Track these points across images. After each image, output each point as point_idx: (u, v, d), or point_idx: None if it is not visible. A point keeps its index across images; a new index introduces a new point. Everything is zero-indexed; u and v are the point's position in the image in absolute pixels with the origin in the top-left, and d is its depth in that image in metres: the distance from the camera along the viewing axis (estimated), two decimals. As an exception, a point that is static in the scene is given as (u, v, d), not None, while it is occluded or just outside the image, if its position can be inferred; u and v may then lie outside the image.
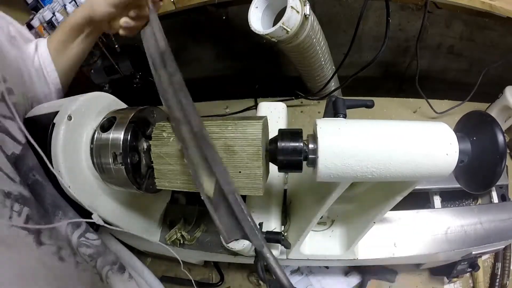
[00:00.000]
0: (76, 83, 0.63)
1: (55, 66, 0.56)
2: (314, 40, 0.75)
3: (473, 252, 0.58)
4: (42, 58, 0.55)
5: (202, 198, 0.29)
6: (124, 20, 0.51)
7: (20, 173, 0.40)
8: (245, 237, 0.28)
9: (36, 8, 0.99)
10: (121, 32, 0.54)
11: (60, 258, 0.41)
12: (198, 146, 0.31)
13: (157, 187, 0.45)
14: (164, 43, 0.37)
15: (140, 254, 0.73)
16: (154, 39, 0.39)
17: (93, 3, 0.52)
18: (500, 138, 0.36)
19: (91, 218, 0.45)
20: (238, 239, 0.29)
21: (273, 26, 0.65)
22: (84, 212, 0.45)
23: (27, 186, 0.40)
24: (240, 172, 0.39)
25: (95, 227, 0.52)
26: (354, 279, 0.73)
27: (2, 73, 0.43)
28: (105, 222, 0.48)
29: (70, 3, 0.93)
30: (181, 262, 0.57)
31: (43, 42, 0.56)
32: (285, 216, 0.60)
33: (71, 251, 0.45)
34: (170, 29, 1.04)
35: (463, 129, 0.41)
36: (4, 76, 0.43)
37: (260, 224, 0.54)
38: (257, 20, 0.70)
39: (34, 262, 0.37)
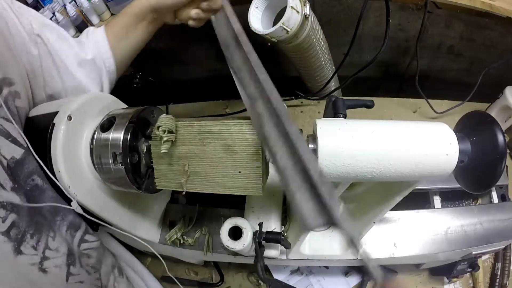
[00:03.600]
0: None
1: (112, 53, 0.55)
2: (314, 40, 0.75)
3: (473, 252, 0.58)
4: (97, 47, 0.54)
5: (280, 176, 0.25)
6: (195, 12, 0.51)
7: (18, 179, 0.39)
8: (331, 221, 0.24)
9: (36, 8, 0.99)
10: (190, 23, 0.53)
11: (41, 269, 0.39)
12: (277, 123, 0.28)
13: (157, 187, 0.45)
14: (239, 25, 0.36)
15: (140, 254, 0.73)
16: (227, 23, 0.38)
17: None
18: (500, 138, 0.36)
19: (93, 223, 0.44)
20: (324, 226, 0.26)
21: (273, 26, 0.65)
22: (90, 220, 0.45)
23: (22, 193, 0.39)
24: (240, 172, 0.39)
25: (94, 227, 0.52)
26: (354, 279, 0.73)
27: (12, 76, 0.42)
28: (105, 222, 0.48)
29: (70, 3, 0.93)
30: (164, 264, 0.56)
31: (99, 30, 0.55)
32: (285, 216, 0.60)
33: (64, 262, 0.43)
34: (170, 29, 1.04)
35: (463, 129, 0.41)
36: (10, 80, 0.42)
37: (260, 224, 0.54)
38: (257, 20, 0.70)
39: (10, 271, 0.36)
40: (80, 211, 0.43)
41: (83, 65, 0.54)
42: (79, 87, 0.54)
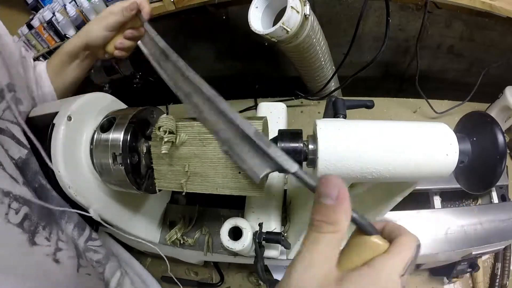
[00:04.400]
0: (76, 83, 0.64)
1: (53, 87, 0.59)
2: (314, 40, 0.75)
3: (473, 252, 0.58)
4: (40, 80, 0.58)
5: (223, 151, 0.31)
6: (119, 41, 0.55)
7: (27, 176, 0.41)
8: (276, 165, 0.28)
9: (36, 8, 0.99)
10: (116, 53, 0.57)
11: (55, 260, 0.41)
12: (213, 106, 0.33)
13: (157, 188, 0.45)
14: (163, 42, 0.41)
15: (140, 254, 0.73)
16: (153, 43, 0.43)
17: (89, 30, 0.56)
18: (500, 138, 0.36)
19: (93, 223, 0.45)
20: (269, 172, 0.29)
21: (273, 26, 0.65)
22: (88, 218, 0.46)
23: (32, 188, 0.41)
24: (240, 172, 0.39)
25: (94, 227, 0.52)
26: (354, 279, 0.73)
27: (15, 83, 0.46)
28: (105, 222, 0.48)
29: (70, 3, 0.94)
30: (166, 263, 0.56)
31: (42, 65, 0.60)
32: (285, 217, 0.60)
33: (74, 253, 0.45)
34: (170, 29, 1.04)
35: (463, 129, 0.41)
36: (15, 87, 0.46)
37: (260, 225, 0.54)
38: (257, 20, 0.70)
39: (26, 261, 0.38)
40: (98, 218, 0.44)
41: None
42: None
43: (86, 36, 0.56)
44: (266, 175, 0.29)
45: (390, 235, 0.26)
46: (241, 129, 0.30)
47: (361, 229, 0.25)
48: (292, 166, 0.27)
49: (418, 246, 0.25)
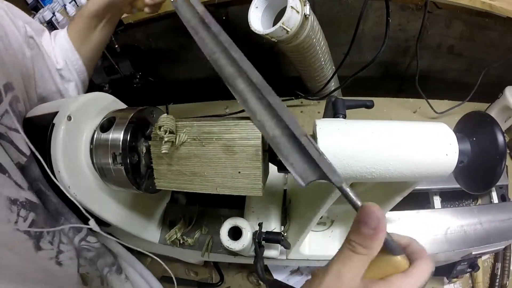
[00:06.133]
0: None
1: (79, 54, 0.56)
2: (314, 40, 0.75)
3: (473, 252, 0.58)
4: (63, 49, 0.55)
5: (272, 146, 0.29)
6: None
7: (27, 181, 0.41)
8: (323, 176, 0.28)
9: (36, 8, 0.99)
10: (146, 10, 0.54)
11: (57, 262, 0.42)
12: (260, 96, 0.31)
13: (157, 187, 0.45)
14: (203, 7, 0.35)
15: (140, 254, 0.73)
16: (189, 5, 0.36)
17: None
18: (500, 138, 0.36)
19: (98, 225, 0.45)
20: (314, 180, 0.29)
21: (273, 26, 0.65)
22: (86, 218, 0.46)
23: (35, 192, 0.41)
24: (239, 172, 0.39)
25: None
26: (354, 279, 0.73)
27: (12, 80, 0.44)
28: (105, 222, 0.48)
29: (70, 3, 0.94)
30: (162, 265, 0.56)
31: (63, 33, 0.56)
32: (285, 216, 0.60)
33: (74, 254, 0.46)
34: (170, 29, 1.04)
35: (463, 129, 0.41)
36: (13, 83, 0.44)
37: (260, 224, 0.54)
38: (257, 20, 0.70)
39: (33, 266, 0.38)
40: (97, 229, 0.45)
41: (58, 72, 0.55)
42: (63, 90, 0.56)
43: None
44: (311, 182, 0.29)
45: (412, 255, 0.28)
46: (290, 130, 0.29)
47: (389, 249, 0.27)
48: (339, 180, 0.28)
49: (432, 272, 0.27)
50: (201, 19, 0.34)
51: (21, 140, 0.41)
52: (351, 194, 0.28)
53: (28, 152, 0.42)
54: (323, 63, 0.85)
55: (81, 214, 0.44)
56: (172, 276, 0.60)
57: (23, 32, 0.48)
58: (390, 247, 0.27)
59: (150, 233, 0.60)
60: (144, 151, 0.44)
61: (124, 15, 0.92)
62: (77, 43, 0.55)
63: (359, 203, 0.27)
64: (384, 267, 0.27)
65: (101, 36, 0.57)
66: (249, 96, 0.31)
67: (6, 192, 0.36)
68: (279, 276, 0.73)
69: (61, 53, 0.55)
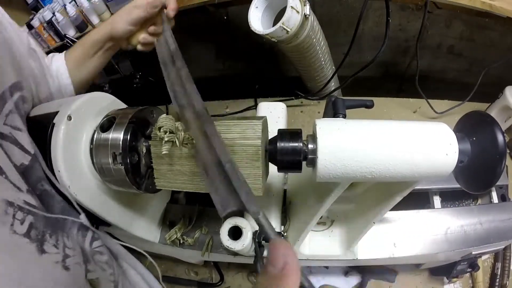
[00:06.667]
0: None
1: (71, 79, 0.59)
2: (314, 40, 0.75)
3: (473, 252, 0.58)
4: (58, 73, 0.58)
5: (200, 172, 0.31)
6: (142, 36, 0.56)
7: (29, 183, 0.41)
8: (241, 205, 0.28)
9: (36, 8, 0.99)
10: (139, 47, 0.58)
11: (64, 267, 0.41)
12: (199, 124, 0.34)
13: (157, 187, 0.45)
14: (175, 46, 0.42)
15: (140, 254, 0.73)
16: (166, 44, 0.44)
17: (113, 22, 0.56)
18: (500, 138, 0.36)
19: (93, 222, 0.45)
20: (233, 210, 0.29)
21: (273, 26, 0.65)
22: (93, 219, 0.46)
23: (36, 195, 0.40)
24: (239, 172, 0.39)
25: (94, 226, 0.52)
26: (354, 279, 0.73)
27: (21, 81, 0.45)
28: (105, 222, 0.48)
29: (70, 3, 0.94)
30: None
31: (60, 57, 0.60)
32: (285, 216, 0.60)
33: (81, 259, 0.45)
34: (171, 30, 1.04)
35: (462, 129, 0.41)
36: (21, 84, 0.45)
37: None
38: (257, 20, 0.70)
39: (36, 270, 0.38)
40: (87, 223, 0.45)
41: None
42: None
43: (111, 28, 0.56)
44: (231, 213, 0.29)
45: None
46: (218, 157, 0.30)
47: None
48: (256, 211, 0.27)
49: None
50: (171, 55, 0.41)
51: (27, 139, 0.42)
52: (266, 227, 0.26)
53: (32, 151, 0.42)
54: (323, 63, 0.85)
55: (88, 215, 0.44)
56: (172, 276, 0.60)
57: (27, 44, 0.51)
58: None
59: (150, 233, 0.60)
60: (144, 151, 0.44)
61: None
62: (73, 67, 0.59)
63: (272, 237, 0.25)
64: None
65: (97, 63, 0.61)
66: (192, 125, 0.35)
67: (2, 194, 0.36)
68: (279, 276, 0.73)
69: (56, 76, 0.58)
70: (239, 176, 0.29)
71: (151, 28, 0.56)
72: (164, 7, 0.53)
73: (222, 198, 0.29)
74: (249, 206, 0.27)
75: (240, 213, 0.60)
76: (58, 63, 0.58)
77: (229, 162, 0.30)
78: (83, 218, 0.43)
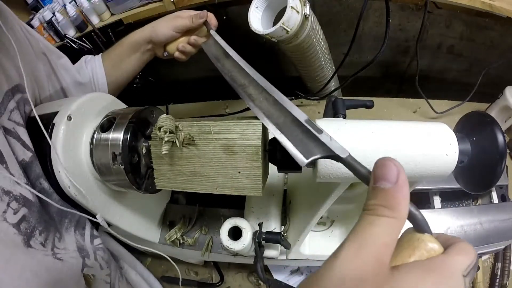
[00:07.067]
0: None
1: (107, 79, 0.61)
2: (314, 40, 0.75)
3: (473, 252, 0.58)
4: (94, 73, 0.59)
5: (276, 136, 0.32)
6: (182, 45, 0.59)
7: (29, 179, 0.41)
8: (326, 149, 0.29)
9: (36, 8, 0.99)
10: (176, 54, 0.60)
11: (57, 258, 0.41)
12: (266, 95, 0.36)
13: (157, 187, 0.45)
14: (225, 43, 0.46)
15: (140, 254, 0.73)
16: (216, 44, 0.48)
17: (156, 26, 0.58)
18: (500, 138, 0.36)
19: (99, 225, 0.45)
20: (318, 157, 0.29)
21: (273, 26, 0.65)
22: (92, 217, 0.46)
23: (36, 192, 0.41)
24: (239, 172, 0.39)
25: (94, 227, 0.52)
26: (354, 279, 0.73)
27: (22, 84, 0.45)
28: (105, 222, 0.48)
29: (70, 3, 0.93)
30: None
31: (97, 58, 0.61)
32: (285, 216, 0.60)
33: (78, 255, 0.45)
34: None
35: (463, 129, 0.41)
36: (23, 87, 0.45)
37: (260, 224, 0.54)
38: (257, 20, 0.70)
39: (24, 257, 0.37)
40: (105, 225, 0.45)
41: (78, 87, 0.59)
42: None
43: (152, 31, 0.58)
44: (314, 161, 0.30)
45: (446, 243, 0.21)
46: (293, 116, 0.32)
47: (416, 224, 0.21)
48: (343, 152, 0.27)
49: (476, 257, 0.21)
50: (223, 50, 0.45)
51: (28, 137, 0.42)
52: (356, 164, 0.25)
53: (33, 148, 0.43)
54: (323, 63, 0.85)
55: (88, 214, 0.44)
56: (172, 276, 0.60)
57: (37, 48, 0.51)
58: (415, 219, 0.20)
59: (150, 233, 0.60)
60: (144, 151, 0.44)
61: (124, 15, 0.92)
62: (109, 66, 0.60)
63: (370, 169, 0.23)
64: (411, 249, 0.20)
65: (132, 65, 0.62)
66: (258, 97, 0.37)
67: (0, 182, 0.36)
68: (279, 276, 0.73)
69: (90, 75, 0.59)
70: (318, 126, 0.30)
71: (193, 37, 0.58)
72: (207, 20, 0.57)
73: (304, 147, 0.30)
74: (335, 148, 0.28)
75: (240, 213, 0.60)
76: (94, 64, 0.59)
77: (307, 118, 0.32)
78: (99, 219, 0.44)
